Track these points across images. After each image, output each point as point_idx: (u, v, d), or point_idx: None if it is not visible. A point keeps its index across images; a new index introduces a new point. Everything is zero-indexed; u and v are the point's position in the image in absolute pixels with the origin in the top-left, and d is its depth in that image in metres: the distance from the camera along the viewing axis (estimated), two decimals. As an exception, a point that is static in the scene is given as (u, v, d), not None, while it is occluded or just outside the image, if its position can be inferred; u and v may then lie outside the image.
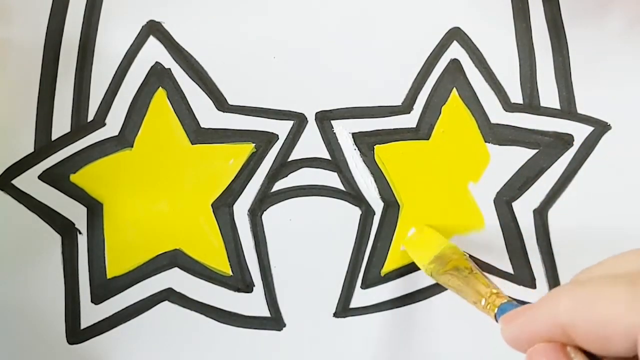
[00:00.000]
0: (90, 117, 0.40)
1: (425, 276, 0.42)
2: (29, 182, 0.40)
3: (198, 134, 0.41)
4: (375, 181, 0.42)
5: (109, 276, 0.41)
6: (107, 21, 0.40)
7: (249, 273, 0.42)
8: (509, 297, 0.32)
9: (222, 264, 0.41)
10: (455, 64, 0.43)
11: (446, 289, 0.43)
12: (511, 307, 0.30)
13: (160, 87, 0.41)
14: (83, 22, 0.40)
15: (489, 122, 0.43)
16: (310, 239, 0.42)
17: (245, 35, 0.41)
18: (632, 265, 0.24)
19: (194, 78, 0.41)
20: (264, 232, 0.42)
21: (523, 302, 0.30)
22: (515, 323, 0.26)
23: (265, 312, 0.42)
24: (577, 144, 0.43)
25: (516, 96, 0.43)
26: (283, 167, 0.42)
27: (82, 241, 0.40)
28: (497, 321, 0.30)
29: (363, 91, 0.42)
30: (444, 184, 0.43)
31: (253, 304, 0.42)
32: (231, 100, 0.41)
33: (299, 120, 0.42)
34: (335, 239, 0.42)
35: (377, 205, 0.42)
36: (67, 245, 0.40)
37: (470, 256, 0.43)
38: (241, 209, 0.41)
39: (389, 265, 0.42)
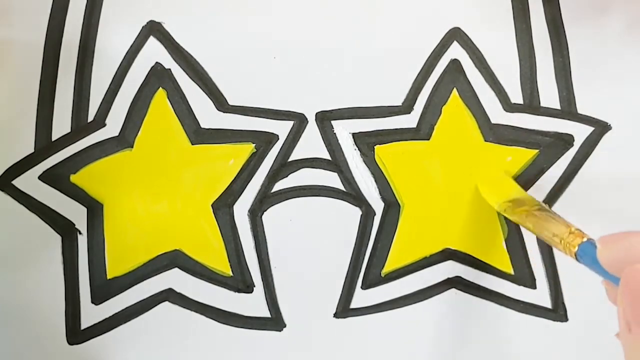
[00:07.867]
0: (90, 118, 0.40)
1: (425, 276, 0.43)
2: (29, 182, 0.40)
3: (198, 134, 0.41)
4: (375, 181, 0.42)
5: (109, 276, 0.41)
6: (107, 21, 0.40)
7: (249, 273, 0.42)
8: (590, 237, 0.31)
9: (222, 265, 0.41)
10: (455, 64, 0.43)
11: (446, 289, 0.43)
12: (591, 246, 0.30)
13: (160, 87, 0.41)
14: (83, 23, 0.40)
15: (489, 122, 0.43)
16: (310, 240, 0.42)
17: (246, 36, 0.41)
18: None
19: (194, 78, 0.41)
20: (264, 232, 0.42)
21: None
22: (616, 246, 0.26)
23: (265, 312, 0.42)
24: (577, 144, 0.43)
25: (516, 96, 0.43)
26: (283, 167, 0.42)
27: (82, 241, 0.40)
28: (577, 259, 0.30)
29: (363, 91, 0.42)
30: (444, 184, 0.43)
31: (253, 304, 0.42)
32: (231, 100, 0.41)
33: (299, 121, 0.42)
34: (336, 240, 0.42)
35: (378, 205, 0.42)
36: (67, 246, 0.40)
37: (469, 256, 0.43)
38: (241, 209, 0.41)
39: (389, 266, 0.42)
